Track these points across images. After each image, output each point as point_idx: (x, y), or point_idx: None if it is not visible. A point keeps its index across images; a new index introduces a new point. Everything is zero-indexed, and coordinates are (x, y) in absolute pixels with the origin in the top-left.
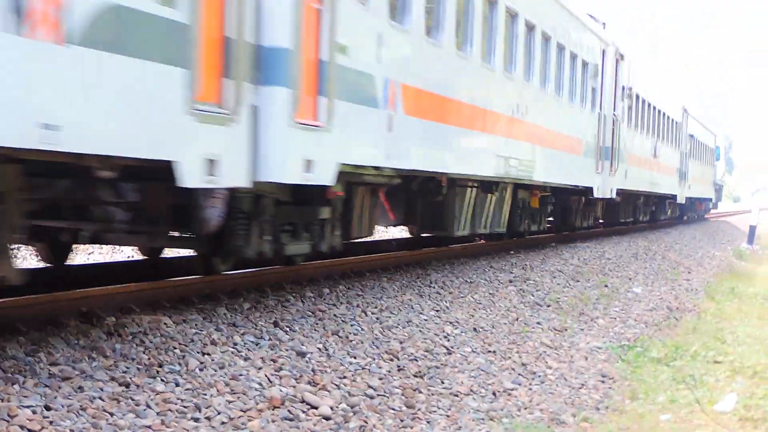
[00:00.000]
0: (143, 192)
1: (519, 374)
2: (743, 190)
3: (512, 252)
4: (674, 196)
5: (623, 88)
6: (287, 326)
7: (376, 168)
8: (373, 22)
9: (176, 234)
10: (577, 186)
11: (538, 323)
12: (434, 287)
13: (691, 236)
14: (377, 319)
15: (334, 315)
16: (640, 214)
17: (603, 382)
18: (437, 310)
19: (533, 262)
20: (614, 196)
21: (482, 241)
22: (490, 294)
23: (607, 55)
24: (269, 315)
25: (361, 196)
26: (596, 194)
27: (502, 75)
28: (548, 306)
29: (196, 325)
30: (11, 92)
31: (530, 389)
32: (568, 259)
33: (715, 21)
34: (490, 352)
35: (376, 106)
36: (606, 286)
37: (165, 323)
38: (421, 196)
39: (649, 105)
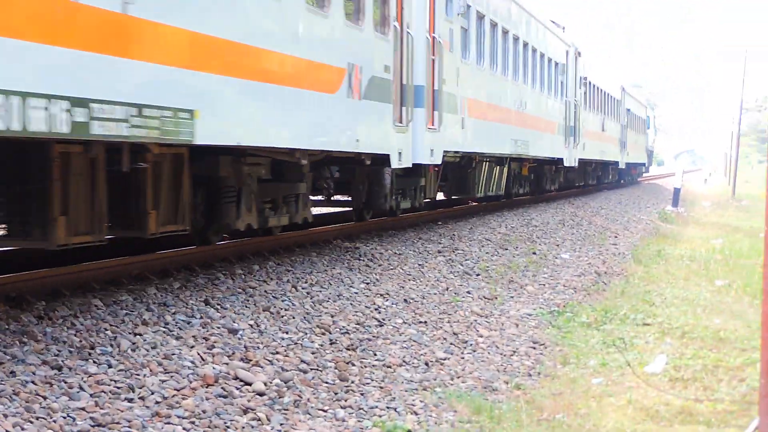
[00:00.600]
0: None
1: (451, 344)
2: (667, 153)
3: (440, 222)
4: (617, 162)
5: (580, 79)
6: (218, 304)
7: (456, 152)
8: (455, 61)
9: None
10: (554, 158)
11: (468, 292)
12: (363, 260)
13: (616, 201)
14: (308, 293)
15: (265, 291)
16: (590, 178)
17: (534, 348)
18: (367, 283)
19: (461, 231)
20: (576, 164)
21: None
22: (419, 265)
23: (569, 54)
24: (200, 293)
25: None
26: (566, 163)
27: (512, 81)
28: (478, 275)
29: (126, 306)
30: (347, 125)
31: (462, 358)
32: (495, 227)
33: (692, 15)
34: (421, 322)
35: (456, 113)
36: (534, 253)
37: (96, 305)
38: (458, 169)
39: (598, 88)
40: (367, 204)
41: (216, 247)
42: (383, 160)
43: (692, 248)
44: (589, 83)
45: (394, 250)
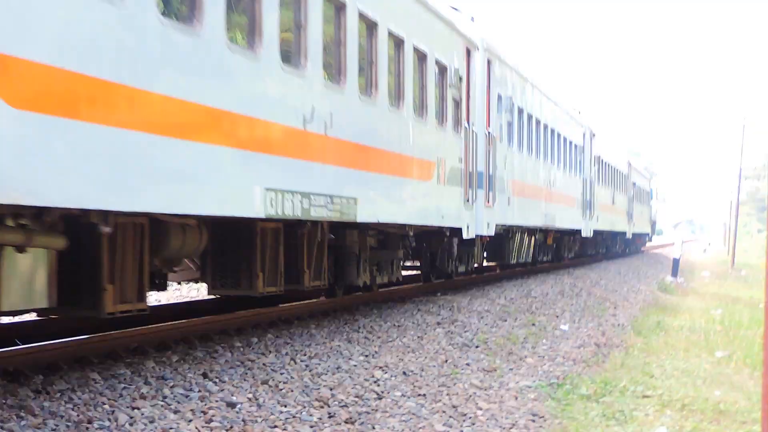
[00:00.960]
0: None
1: (450, 416)
2: (665, 222)
3: (439, 294)
4: (624, 232)
5: (594, 157)
6: (216, 377)
7: (502, 225)
8: (503, 150)
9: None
10: (573, 228)
11: (467, 364)
12: (362, 332)
13: (615, 271)
14: (306, 366)
15: (263, 364)
16: (601, 247)
17: (534, 421)
18: (366, 355)
19: (460, 303)
20: (591, 234)
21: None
22: (418, 337)
23: (585, 136)
24: (198, 366)
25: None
26: (583, 234)
27: (543, 163)
28: (477, 347)
29: (125, 379)
30: (436, 204)
31: (461, 431)
32: (494, 299)
33: (691, 84)
34: (420, 395)
35: (504, 192)
36: (533, 324)
37: (93, 379)
38: (496, 239)
39: (608, 165)
40: (433, 268)
41: (214, 318)
42: (455, 232)
43: (692, 319)
44: (601, 161)
45: (393, 322)
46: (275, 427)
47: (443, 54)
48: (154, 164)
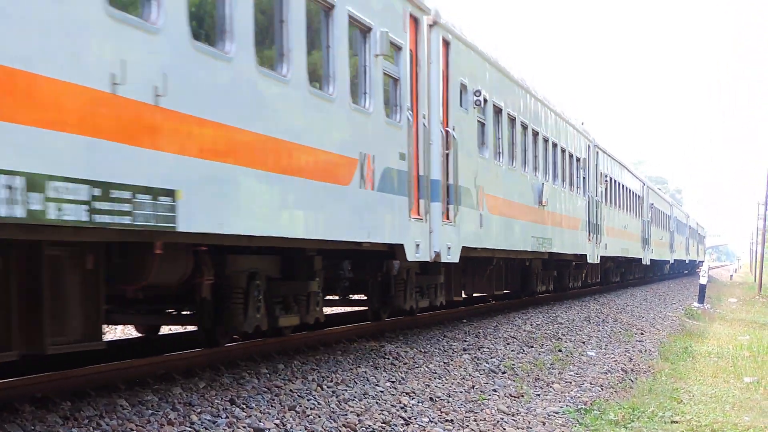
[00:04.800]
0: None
1: None
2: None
3: (465, 320)
4: (639, 259)
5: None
6: (244, 403)
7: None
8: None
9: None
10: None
11: (494, 390)
12: (389, 358)
13: (642, 298)
14: (333, 392)
15: (290, 390)
16: (613, 275)
17: None
18: (393, 381)
19: (486, 329)
20: (598, 261)
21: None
22: (444, 363)
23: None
24: (225, 393)
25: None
26: (590, 260)
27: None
28: (503, 373)
29: (152, 405)
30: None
31: None
32: (520, 325)
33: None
34: (447, 421)
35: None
36: (560, 350)
37: (121, 405)
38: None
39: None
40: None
41: (240, 345)
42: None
43: (719, 345)
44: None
45: (419, 349)
46: None
47: (578, 150)
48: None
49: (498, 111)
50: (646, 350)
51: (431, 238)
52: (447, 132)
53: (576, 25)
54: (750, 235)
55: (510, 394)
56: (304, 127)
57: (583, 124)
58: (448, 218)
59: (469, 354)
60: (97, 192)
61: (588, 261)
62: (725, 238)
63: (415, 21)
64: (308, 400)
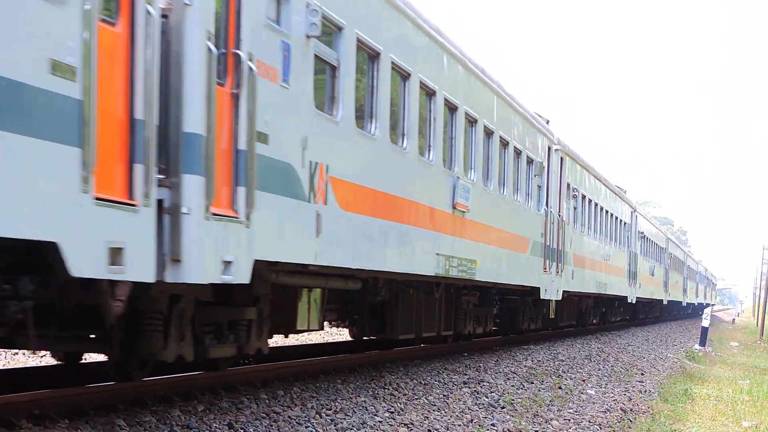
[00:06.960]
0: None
1: None
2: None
3: (466, 354)
4: (661, 300)
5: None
6: (242, 428)
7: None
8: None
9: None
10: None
11: (493, 425)
12: (388, 389)
13: (643, 338)
14: (332, 420)
15: (289, 417)
16: (641, 313)
17: None
18: (391, 412)
19: (487, 363)
20: (635, 301)
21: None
22: (444, 396)
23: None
24: (223, 417)
25: None
26: (629, 300)
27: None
28: (502, 408)
29: (150, 427)
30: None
31: None
32: (521, 360)
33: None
34: None
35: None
36: (560, 387)
37: (119, 425)
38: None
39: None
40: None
41: (240, 369)
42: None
43: (719, 388)
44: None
45: (420, 380)
46: None
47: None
48: None
49: (583, 197)
50: (645, 390)
51: (551, 285)
52: (560, 216)
53: (572, 43)
54: (753, 280)
55: (508, 429)
56: (503, 216)
57: (548, 122)
58: (558, 273)
59: (469, 387)
60: None
61: (628, 300)
62: (729, 281)
63: (549, 149)
64: (306, 427)
